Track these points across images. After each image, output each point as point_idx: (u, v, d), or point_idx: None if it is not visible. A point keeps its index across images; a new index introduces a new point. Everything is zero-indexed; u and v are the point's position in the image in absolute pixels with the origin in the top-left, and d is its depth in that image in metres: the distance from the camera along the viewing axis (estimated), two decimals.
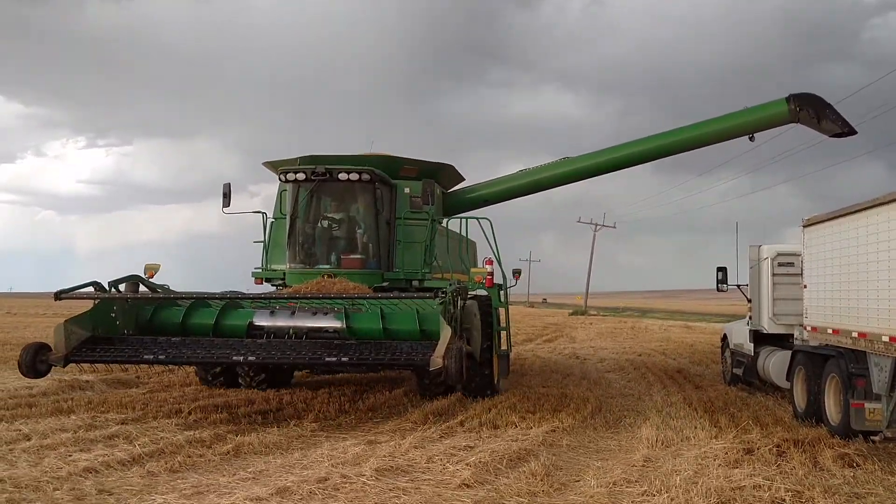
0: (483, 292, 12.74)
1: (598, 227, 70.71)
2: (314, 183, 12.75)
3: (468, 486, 6.78)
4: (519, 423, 10.02)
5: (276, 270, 13.43)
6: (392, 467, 7.32)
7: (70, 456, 7.66)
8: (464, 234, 15.93)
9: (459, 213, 15.65)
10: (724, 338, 16.33)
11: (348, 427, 9.83)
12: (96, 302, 10.34)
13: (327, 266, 12.72)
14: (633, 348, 25.44)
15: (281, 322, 10.47)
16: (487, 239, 13.99)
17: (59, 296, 10.22)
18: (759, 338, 13.81)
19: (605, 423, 10.44)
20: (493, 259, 13.64)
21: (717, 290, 15.21)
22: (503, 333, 13.47)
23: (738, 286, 14.93)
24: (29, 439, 8.50)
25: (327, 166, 12.65)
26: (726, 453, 8.15)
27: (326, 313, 10.44)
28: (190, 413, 10.46)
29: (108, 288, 10.52)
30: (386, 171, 13.43)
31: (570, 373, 17.13)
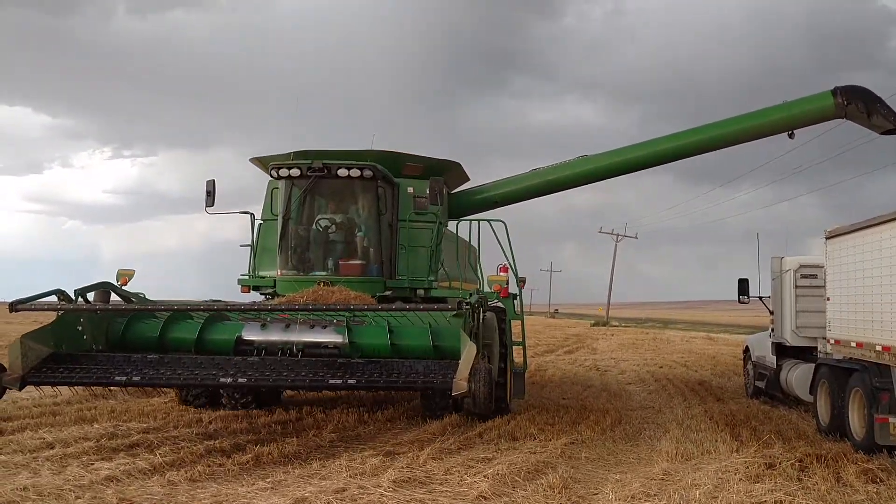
0: (498, 303, 11.71)
1: (620, 237, 70.45)
2: (310, 180, 11.49)
3: (485, 498, 6.77)
4: (538, 435, 9.98)
5: (265, 277, 12.16)
6: (409, 479, 7.32)
7: (92, 464, 7.76)
8: (472, 238, 14.34)
9: (465, 215, 14.18)
10: (747, 350, 16.16)
11: (367, 438, 9.85)
12: (60, 313, 9.04)
13: (323, 273, 11.51)
14: (654, 360, 25.25)
15: (274, 336, 9.27)
16: (501, 244, 12.62)
17: (14, 307, 8.89)
18: (781, 350, 13.66)
19: (624, 435, 10.37)
20: (509, 266, 12.38)
21: (739, 301, 15.08)
22: (518, 348, 12.30)
23: (760, 298, 14.79)
24: (52, 447, 8.61)
25: (325, 161, 11.46)
26: (747, 467, 8.05)
27: (325, 326, 9.31)
28: (210, 423, 10.54)
29: (73, 297, 9.22)
30: (387, 168, 12.17)
31: (590, 385, 17.04)
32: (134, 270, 10.64)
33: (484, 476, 7.38)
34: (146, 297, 10.39)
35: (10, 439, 9.05)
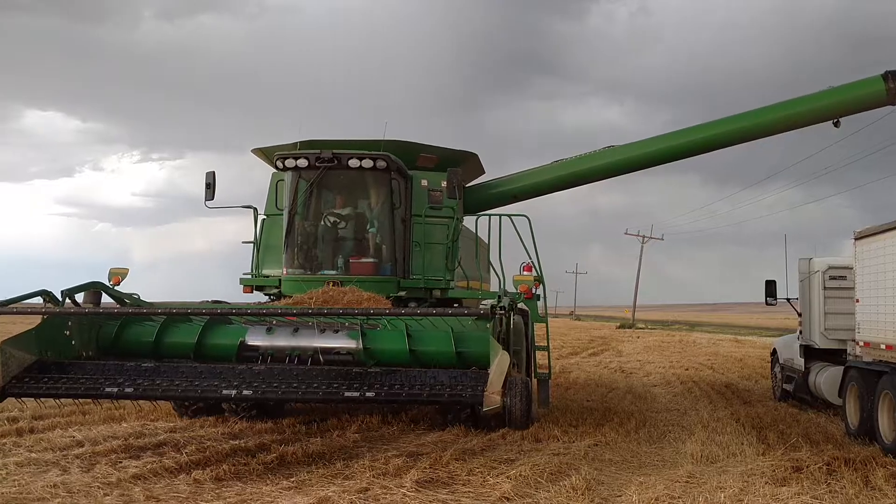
0: (522, 305, 10.95)
1: (646, 239, 70.05)
2: (318, 171, 10.67)
3: (508, 499, 6.76)
4: (561, 436, 9.94)
5: (269, 277, 11.39)
6: (432, 479, 7.34)
7: (120, 462, 7.87)
8: (492, 234, 13.25)
9: (480, 210, 12.99)
10: (774, 352, 15.98)
11: (390, 438, 9.88)
12: (45, 317, 8.38)
13: (332, 272, 10.75)
14: (680, 362, 25.04)
15: (281, 342, 8.61)
16: (523, 241, 11.84)
17: None
18: (810, 353, 13.49)
19: (649, 437, 10.30)
20: (533, 265, 11.65)
21: (766, 303, 14.92)
22: (543, 353, 11.73)
23: (788, 300, 14.63)
24: (82, 446, 8.75)
25: (335, 151, 10.62)
26: (774, 471, 7.97)
27: (338, 331, 8.61)
28: (235, 423, 10.64)
29: (60, 299, 8.59)
30: (399, 159, 11.29)
31: (614, 387, 16.95)
32: (127, 269, 9.93)
33: (507, 477, 7.37)
34: (140, 297, 9.74)
35: (40, 437, 9.22)
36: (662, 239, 72.38)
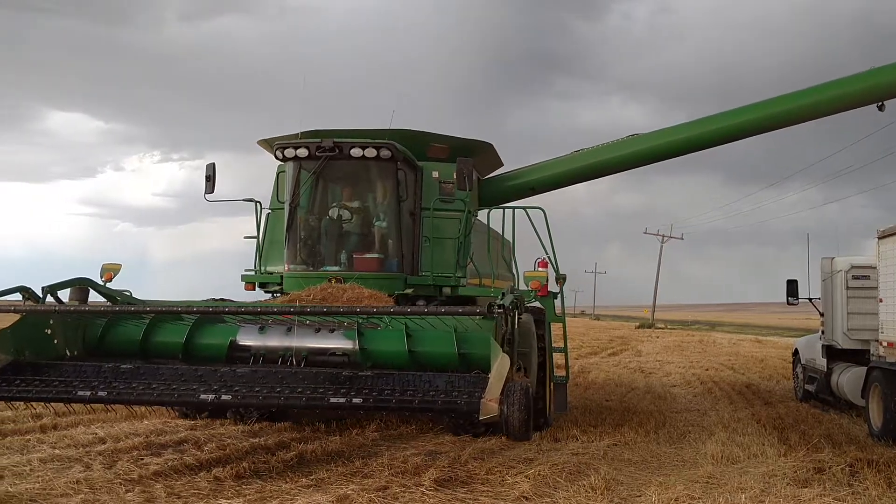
0: (536, 303, 10.40)
1: (666, 238, 69.62)
2: (320, 161, 10.09)
3: (527, 498, 6.75)
4: (580, 436, 9.92)
5: (272, 274, 10.84)
6: (451, 478, 7.34)
7: (142, 459, 7.95)
8: (506, 228, 12.49)
9: (497, 204, 12.33)
10: (796, 353, 15.84)
11: (409, 437, 9.90)
12: (22, 315, 7.88)
13: (335, 268, 10.17)
14: (700, 362, 24.87)
15: (273, 342, 8.05)
16: (539, 235, 11.11)
17: None
18: (832, 353, 13.35)
19: (668, 437, 10.24)
20: (549, 261, 10.92)
21: (788, 303, 14.80)
22: (560, 355, 10.94)
23: (810, 300, 14.49)
24: (104, 442, 8.85)
25: (336, 140, 10.03)
26: (795, 472, 7.90)
27: (333, 330, 8.02)
28: (255, 420, 10.70)
29: (41, 295, 8.11)
30: (409, 149, 10.74)
31: (634, 387, 16.87)
32: (120, 265, 9.37)
33: (525, 476, 7.36)
34: (132, 294, 9.23)
35: (63, 434, 9.34)
36: (682, 238, 71.96)
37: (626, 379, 19.07)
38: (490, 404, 6.18)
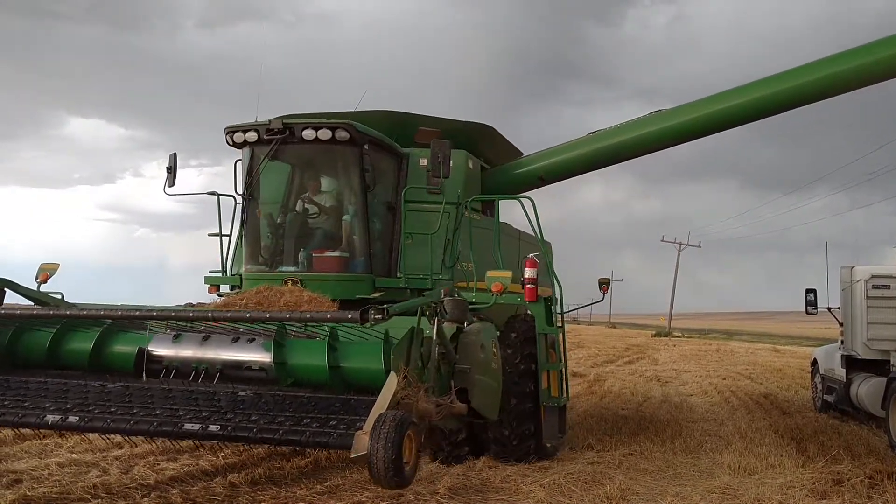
0: (527, 311, 9.15)
1: (683, 246, 69.13)
2: (272, 146, 8.86)
3: None
4: (595, 445, 9.87)
5: (234, 276, 9.61)
6: (465, 486, 7.34)
7: (158, 465, 8.02)
8: (523, 227, 10.90)
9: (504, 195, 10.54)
10: (814, 363, 15.65)
11: (424, 444, 9.88)
12: None
13: (292, 268, 8.98)
14: (717, 372, 24.67)
15: (187, 352, 6.90)
16: (533, 227, 9.75)
17: None
18: (851, 363, 13.19)
19: (685, 447, 10.16)
20: (538, 259, 9.22)
21: (806, 312, 14.65)
22: (554, 373, 9.11)
23: (829, 309, 14.34)
24: (121, 448, 8.91)
25: (286, 121, 8.81)
26: (814, 483, 7.82)
27: (252, 340, 6.77)
28: None
29: None
30: (392, 133, 9.57)
31: (650, 395, 16.76)
32: (58, 264, 8.50)
33: (540, 485, 7.34)
34: (63, 298, 8.15)
35: (81, 438, 9.38)
36: (699, 246, 71.41)
37: (642, 387, 18.94)
38: (364, 438, 4.98)
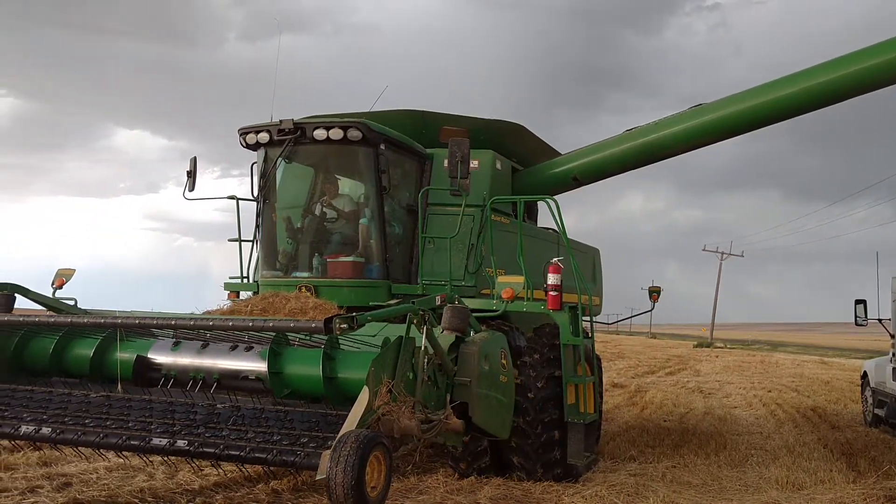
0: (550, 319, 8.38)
1: (725, 255, 68.09)
2: (284, 147, 8.60)
3: None
4: (638, 456, 9.74)
5: (252, 283, 9.27)
6: (506, 496, 7.29)
7: (202, 471, 8.10)
8: (546, 226, 10.71)
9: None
10: (865, 375, 15.28)
11: None
12: None
13: (306, 274, 8.69)
14: (762, 384, 24.19)
15: (185, 360, 6.67)
16: (558, 226, 9.10)
17: None
18: None
19: (730, 461, 9.97)
20: (560, 265, 8.41)
21: (856, 324, 14.30)
22: (582, 386, 8.33)
23: (880, 320, 13.99)
24: None
25: (297, 121, 8.57)
26: (865, 499, 7.60)
27: (249, 349, 6.51)
28: None
29: None
30: (415, 134, 9.33)
31: (692, 407, 16.49)
32: (74, 270, 8.26)
33: (582, 496, 7.26)
34: (77, 304, 7.97)
35: None
36: (742, 255, 70.39)
37: (684, 399, 18.65)
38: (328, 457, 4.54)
